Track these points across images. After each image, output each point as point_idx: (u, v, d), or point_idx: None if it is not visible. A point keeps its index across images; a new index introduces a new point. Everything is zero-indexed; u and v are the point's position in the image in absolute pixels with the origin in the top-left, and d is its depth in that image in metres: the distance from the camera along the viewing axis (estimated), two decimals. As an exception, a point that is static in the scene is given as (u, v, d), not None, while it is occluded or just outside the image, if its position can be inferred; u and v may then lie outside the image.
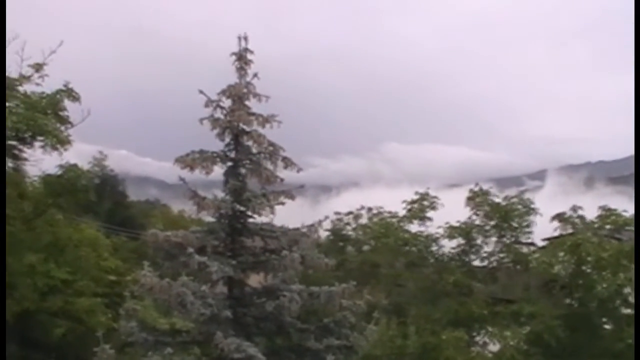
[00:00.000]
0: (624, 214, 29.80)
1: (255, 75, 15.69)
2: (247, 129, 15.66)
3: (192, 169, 15.34)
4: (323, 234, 31.23)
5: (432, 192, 31.86)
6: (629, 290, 27.90)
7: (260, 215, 15.66)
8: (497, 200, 30.65)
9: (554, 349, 26.70)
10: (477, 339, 29.35)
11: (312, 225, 16.15)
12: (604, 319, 28.83)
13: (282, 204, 15.74)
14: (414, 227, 31.49)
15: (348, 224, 35.72)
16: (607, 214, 29.87)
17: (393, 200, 33.02)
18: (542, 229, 30.78)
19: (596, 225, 29.58)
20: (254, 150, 15.81)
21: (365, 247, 34.09)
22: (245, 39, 15.65)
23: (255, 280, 16.45)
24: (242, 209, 15.55)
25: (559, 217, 29.75)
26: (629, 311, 28.09)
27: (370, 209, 34.85)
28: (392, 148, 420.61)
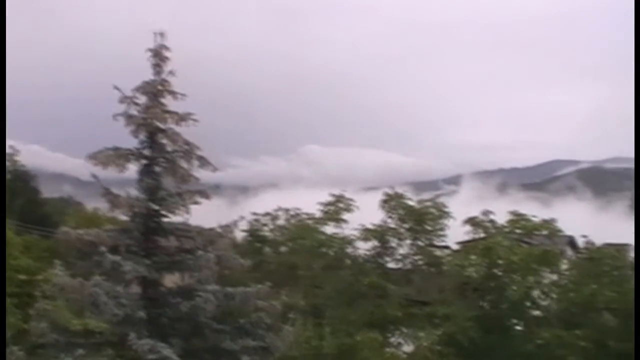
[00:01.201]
0: (534, 219, 30.63)
1: (171, 72, 15.49)
2: (162, 126, 15.47)
3: (105, 166, 15.06)
4: (240, 234, 31.16)
5: (350, 195, 32.10)
6: (538, 292, 28.71)
7: (175, 214, 15.50)
8: (411, 203, 31.03)
9: (467, 349, 27.10)
10: (392, 340, 29.54)
11: (228, 225, 16.07)
12: (515, 321, 29.44)
13: (198, 203, 15.60)
14: (331, 229, 31.64)
15: (266, 225, 35.59)
16: (518, 218, 30.66)
17: (312, 203, 33.09)
18: (457, 233, 31.32)
19: (507, 230, 30.31)
20: (169, 149, 15.62)
21: (283, 249, 34.00)
22: (162, 35, 15.43)
23: (170, 280, 16.24)
24: (156, 208, 15.36)
25: (471, 221, 30.35)
26: (537, 313, 28.89)
27: (287, 211, 34.84)
28: (313, 150, 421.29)
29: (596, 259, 29.07)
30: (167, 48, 15.48)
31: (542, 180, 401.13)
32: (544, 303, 29.05)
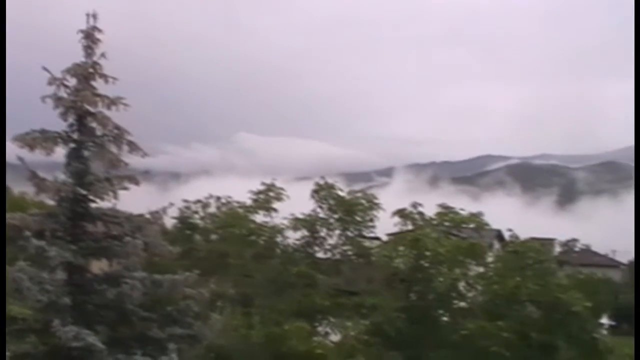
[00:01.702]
0: (462, 212, 31.17)
1: (103, 55, 15.23)
2: (92, 110, 15.16)
3: (31, 148, 14.73)
4: (170, 221, 30.91)
5: (283, 185, 32.13)
6: (464, 284, 29.26)
7: (103, 199, 15.25)
8: (342, 194, 31.22)
9: (394, 339, 27.46)
10: (320, 329, 29.73)
11: (157, 212, 15.89)
12: (441, 311, 29.95)
13: (126, 189, 15.39)
14: (262, 218, 31.64)
15: (196, 212, 35.38)
16: (446, 211, 31.20)
17: (244, 191, 33.02)
18: (388, 225, 31.65)
19: (435, 222, 30.79)
20: (99, 133, 15.33)
21: (213, 237, 33.84)
22: (94, 16, 15.12)
23: (97, 266, 16.01)
24: (84, 192, 15.03)
25: (400, 212, 30.71)
26: (463, 304, 29.46)
27: (219, 198, 34.67)
28: (246, 139, 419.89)
29: (520, 253, 29.77)
30: (99, 30, 15.20)
31: (472, 174, 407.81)
32: (470, 294, 29.66)
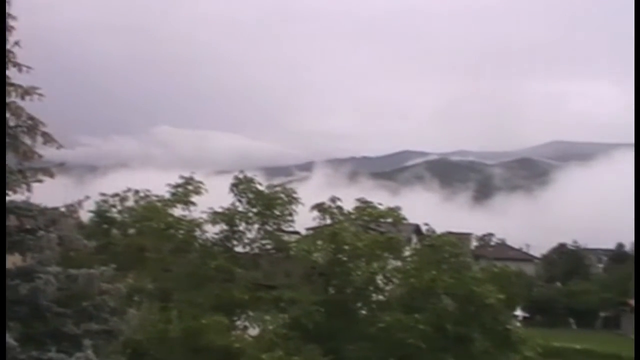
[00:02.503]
0: (380, 206, 31.56)
1: (17, 43, 14.90)
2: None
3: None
4: (86, 215, 30.36)
5: (202, 178, 31.89)
6: (382, 278, 29.65)
7: (15, 192, 14.95)
8: (261, 188, 31.20)
9: (312, 332, 27.61)
10: (238, 323, 29.68)
11: (72, 205, 15.65)
12: (359, 305, 30.28)
13: (40, 181, 15.13)
14: (181, 212, 31.36)
15: (114, 206, 34.85)
16: (364, 206, 31.55)
17: (163, 184, 32.66)
18: (308, 219, 31.81)
19: (353, 217, 31.10)
20: (12, 124, 15.01)
21: (131, 231, 33.39)
22: (8, 2, 14.77)
23: (9, 261, 15.68)
24: (-5, 185, 14.70)
25: (319, 207, 30.92)
26: (381, 297, 29.87)
27: (137, 192, 34.22)
28: (165, 131, 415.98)
29: (436, 246, 30.34)
30: (12, 17, 14.85)
31: (391, 169, 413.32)
32: (387, 288, 30.07)
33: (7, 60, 14.77)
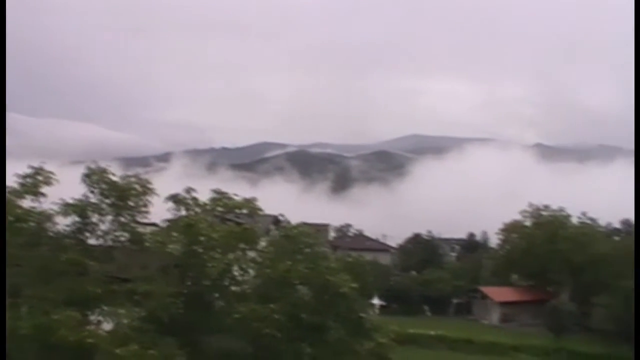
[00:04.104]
0: (235, 197, 31.58)
1: None
2: None
3: None
4: None
5: (57, 168, 30.81)
6: (237, 269, 29.74)
7: None
8: (115, 179, 30.52)
9: (169, 325, 27.40)
10: (92, 317, 29.02)
11: None
12: (216, 296, 30.24)
13: None
14: (31, 203, 30.23)
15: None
16: (220, 197, 31.47)
17: (14, 174, 31.35)
18: (166, 210, 31.42)
19: (209, 208, 31.00)
20: None
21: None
22: None
23: None
24: None
25: (174, 198, 30.62)
26: (237, 288, 29.97)
27: (-18, 182, 32.73)
28: (16, 119, 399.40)
29: (292, 237, 30.73)
30: None
31: (251, 161, 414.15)
32: (243, 279, 30.19)
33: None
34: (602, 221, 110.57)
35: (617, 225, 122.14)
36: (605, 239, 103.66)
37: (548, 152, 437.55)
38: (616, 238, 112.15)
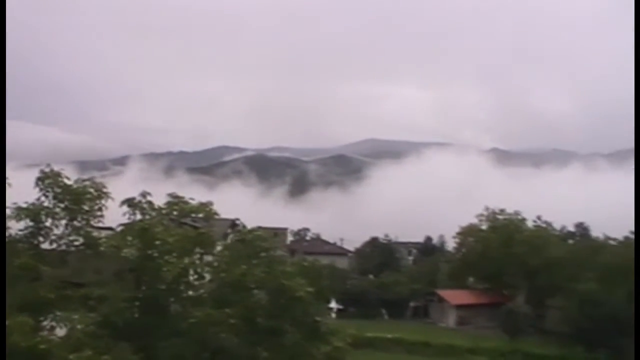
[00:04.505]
0: (191, 201, 31.49)
1: None
2: None
3: None
4: None
5: (11, 172, 30.38)
6: (193, 273, 29.65)
7: None
8: (68, 182, 30.21)
9: (124, 331, 27.18)
10: (45, 323, 28.68)
11: None
12: (172, 300, 30.08)
13: None
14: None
15: None
16: (176, 201, 31.33)
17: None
18: (123, 215, 31.17)
19: (164, 212, 30.84)
20: None
21: None
22: None
23: None
24: None
25: (128, 201, 30.39)
26: (192, 293, 29.87)
27: None
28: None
29: (248, 241, 30.72)
30: None
31: (209, 164, 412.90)
32: (198, 283, 30.11)
33: None
34: (557, 225, 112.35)
35: (571, 228, 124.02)
36: (559, 242, 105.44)
37: (503, 156, 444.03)
38: (570, 241, 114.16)
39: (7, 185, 29.56)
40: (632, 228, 78.99)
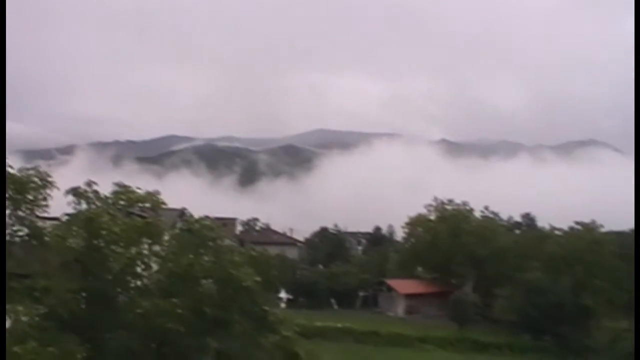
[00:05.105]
0: (138, 191, 31.14)
1: None
2: None
3: None
4: None
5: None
6: (140, 263, 29.38)
7: None
8: (12, 171, 29.67)
9: (70, 322, 26.84)
10: (-11, 315, 28.22)
11: None
12: (118, 291, 29.78)
13: None
14: None
15: None
16: (122, 190, 30.95)
17: None
18: (69, 204, 30.74)
19: (110, 201, 30.47)
20: None
21: None
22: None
23: None
24: None
25: (74, 191, 29.94)
26: (139, 283, 29.61)
27: None
28: None
29: (195, 231, 30.55)
30: None
31: (157, 154, 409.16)
32: (146, 273, 29.84)
33: None
34: (504, 215, 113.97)
35: (518, 219, 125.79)
36: (506, 232, 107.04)
37: (452, 148, 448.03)
38: (517, 231, 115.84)
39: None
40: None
